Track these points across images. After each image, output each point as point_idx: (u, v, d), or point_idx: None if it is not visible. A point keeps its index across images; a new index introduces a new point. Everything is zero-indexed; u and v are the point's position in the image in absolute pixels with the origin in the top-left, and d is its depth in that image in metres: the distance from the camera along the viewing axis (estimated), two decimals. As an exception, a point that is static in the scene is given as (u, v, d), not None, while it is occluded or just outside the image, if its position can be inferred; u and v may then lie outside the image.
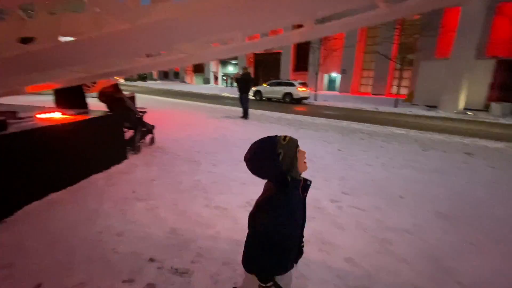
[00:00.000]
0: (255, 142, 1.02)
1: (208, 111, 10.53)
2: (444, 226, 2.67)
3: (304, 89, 17.07)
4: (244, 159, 1.02)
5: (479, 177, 4.11)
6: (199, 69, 40.39)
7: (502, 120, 12.10)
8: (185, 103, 13.32)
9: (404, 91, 21.62)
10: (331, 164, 4.43)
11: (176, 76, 45.67)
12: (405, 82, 24.46)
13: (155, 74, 48.73)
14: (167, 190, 3.20)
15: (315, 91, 19.52)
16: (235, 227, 2.46)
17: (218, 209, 2.81)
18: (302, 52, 27.17)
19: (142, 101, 10.37)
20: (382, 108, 15.26)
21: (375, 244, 2.34)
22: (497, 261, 2.18)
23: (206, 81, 39.55)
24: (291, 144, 1.00)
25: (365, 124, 8.99)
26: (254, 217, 1.05)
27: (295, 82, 17.26)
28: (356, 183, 3.64)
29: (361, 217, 2.76)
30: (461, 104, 14.33)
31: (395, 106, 15.87)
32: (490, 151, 5.88)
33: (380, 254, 2.22)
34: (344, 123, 9.07)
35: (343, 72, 26.31)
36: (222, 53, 2.78)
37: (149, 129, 4.98)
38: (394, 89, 23.11)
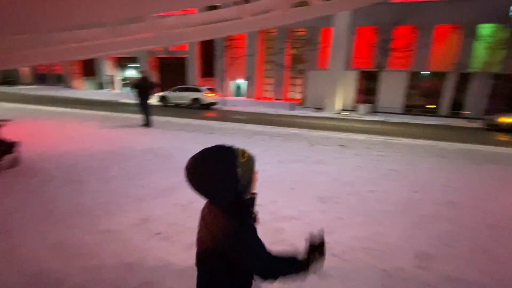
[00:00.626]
0: (207, 151, 0.80)
1: (102, 120, 9.20)
2: (322, 208, 3.22)
3: (212, 94, 17.23)
4: (188, 169, 0.79)
5: (348, 163, 5.16)
6: (90, 72, 34.77)
7: (366, 118, 15.64)
8: (71, 112, 11.21)
9: (299, 96, 24.91)
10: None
11: (60, 80, 37.86)
12: (299, 88, 28.07)
13: (27, 77, 38.92)
14: (34, 222, 2.60)
15: (223, 96, 20.05)
16: (125, 250, 2.23)
17: (105, 234, 2.48)
18: (208, 58, 27.44)
19: (4, 111, 8.10)
20: (281, 112, 17.08)
21: (270, 235, 2.58)
22: (355, 229, 2.79)
23: (100, 86, 34.43)
24: (251, 163, 0.85)
25: (267, 126, 9.85)
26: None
27: (202, 88, 17.23)
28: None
29: (259, 212, 3.00)
30: (339, 106, 17.67)
31: (292, 110, 18.10)
32: (356, 142, 7.49)
33: (274, 243, 2.45)
34: (249, 126, 9.67)
35: (247, 79, 28.03)
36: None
37: (7, 148, 3.93)
38: (290, 95, 26.25)
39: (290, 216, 2.96)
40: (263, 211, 3.02)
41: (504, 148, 7.57)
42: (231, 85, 29.95)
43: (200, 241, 0.92)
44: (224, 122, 10.31)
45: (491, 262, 2.30)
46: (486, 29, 17.60)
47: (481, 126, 13.43)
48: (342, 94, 18.03)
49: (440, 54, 20.80)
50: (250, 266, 0.87)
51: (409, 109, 19.04)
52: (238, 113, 15.49)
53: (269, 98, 28.18)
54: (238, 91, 30.64)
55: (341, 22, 16.12)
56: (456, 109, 18.50)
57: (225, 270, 0.86)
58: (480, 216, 3.14)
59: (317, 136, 8.12)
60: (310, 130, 9.49)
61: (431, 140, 8.29)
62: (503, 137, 10.67)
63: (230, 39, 22.00)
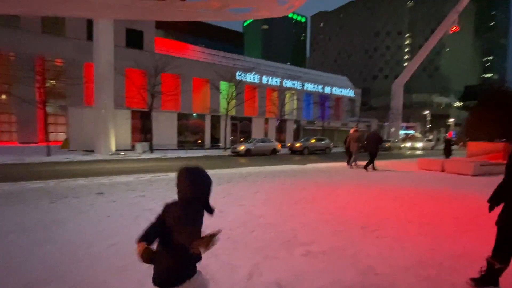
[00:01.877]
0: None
1: None
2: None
3: None
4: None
5: (96, 217, 4.52)
6: None
7: (143, 156, 15.62)
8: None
9: (64, 137, 20.25)
10: None
11: None
12: (62, 128, 22.94)
13: None
14: None
15: None
16: None
17: None
18: None
19: None
20: (30, 159, 12.82)
21: None
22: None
23: None
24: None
25: (-9, 184, 6.75)
26: None
27: None
28: None
29: None
30: (114, 146, 16.34)
31: (49, 155, 14.18)
32: (120, 185, 7.01)
33: None
34: None
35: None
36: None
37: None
38: (52, 136, 20.78)
39: None
40: None
41: (243, 168, 10.42)
42: None
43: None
44: None
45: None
46: (224, 85, 24.53)
47: (230, 154, 18.06)
48: (116, 134, 16.88)
49: (199, 100, 26.06)
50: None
51: (182, 145, 21.62)
52: None
53: (8, 142, 20.49)
54: None
55: (101, 58, 15.40)
56: (215, 142, 23.66)
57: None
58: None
59: (69, 187, 6.68)
60: (63, 179, 7.71)
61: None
62: (242, 160, 15.03)
63: None
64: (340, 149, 26.75)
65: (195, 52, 28.45)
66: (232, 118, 25.78)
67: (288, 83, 31.64)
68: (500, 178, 2.36)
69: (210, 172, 8.75)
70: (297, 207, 4.95)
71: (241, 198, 5.56)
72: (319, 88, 34.80)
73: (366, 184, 7.22)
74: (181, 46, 28.64)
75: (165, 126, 20.80)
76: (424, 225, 4.07)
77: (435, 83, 78.23)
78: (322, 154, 20.77)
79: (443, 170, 10.18)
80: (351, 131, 11.17)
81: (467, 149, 13.18)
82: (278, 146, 19.57)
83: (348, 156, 10.97)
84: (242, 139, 24.18)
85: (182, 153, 17.86)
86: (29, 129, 20.48)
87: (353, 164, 10.78)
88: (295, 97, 32.80)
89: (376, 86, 77.69)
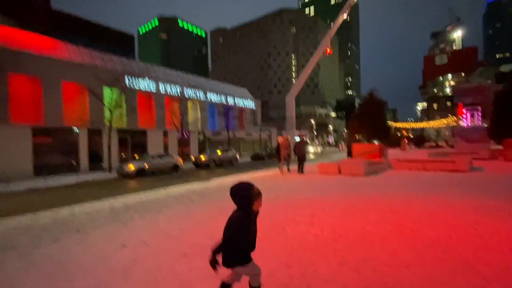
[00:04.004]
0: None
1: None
2: None
3: None
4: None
5: None
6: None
7: None
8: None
9: None
10: None
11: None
12: None
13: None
14: None
15: None
16: None
17: None
18: None
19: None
20: None
21: None
22: None
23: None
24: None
25: None
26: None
27: None
28: None
29: None
30: None
31: None
32: None
33: None
34: None
35: None
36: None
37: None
38: None
39: None
40: None
41: (126, 196, 7.68)
42: None
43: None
44: None
45: None
46: (108, 91, 20.07)
47: (116, 176, 14.37)
48: None
49: (73, 110, 20.38)
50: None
51: (40, 170, 15.79)
52: None
53: None
54: None
55: None
56: (95, 162, 18.80)
57: None
58: None
59: None
60: None
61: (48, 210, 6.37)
62: (131, 183, 11.87)
63: None
64: (246, 159, 26.70)
65: (66, 51, 22.47)
66: (122, 131, 21.47)
67: (190, 93, 29.56)
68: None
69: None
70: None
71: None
72: (222, 99, 34.35)
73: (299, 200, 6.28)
74: (44, 41, 22.05)
75: (13, 146, 14.82)
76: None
77: (316, 97, 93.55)
78: (229, 165, 19.73)
79: (339, 173, 10.71)
80: (280, 140, 11.83)
81: (353, 150, 14.88)
82: (180, 160, 17.17)
83: (282, 162, 11.61)
84: (137, 156, 20.17)
85: (41, 183, 12.82)
86: None
87: (286, 169, 11.49)
88: (198, 107, 31.02)
89: (273, 100, 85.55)
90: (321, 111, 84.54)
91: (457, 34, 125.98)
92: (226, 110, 30.66)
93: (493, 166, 11.00)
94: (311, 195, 6.49)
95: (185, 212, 5.37)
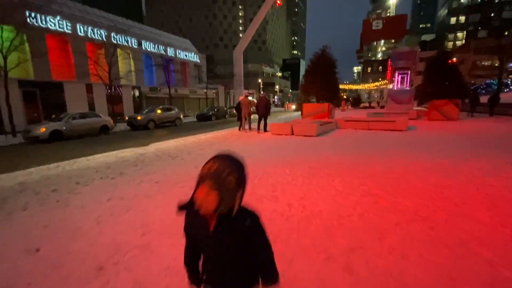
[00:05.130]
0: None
1: None
2: None
3: None
4: None
5: None
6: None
7: None
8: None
9: None
10: None
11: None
12: None
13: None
14: None
15: None
16: None
17: None
18: None
19: None
20: None
21: None
22: None
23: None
24: None
25: None
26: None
27: None
28: None
29: None
30: None
31: None
32: None
33: None
34: None
35: None
36: None
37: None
38: None
39: None
40: None
41: (33, 168, 5.75)
42: None
43: None
44: None
45: None
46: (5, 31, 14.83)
47: (23, 141, 11.36)
48: None
49: None
50: None
51: None
52: None
53: None
54: None
55: None
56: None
57: None
58: None
59: None
60: None
61: None
62: (43, 150, 9.39)
63: None
64: (192, 119, 24.73)
65: None
66: (27, 83, 16.90)
67: (120, 39, 24.55)
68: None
69: None
70: None
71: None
72: (161, 50, 29.88)
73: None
74: None
75: None
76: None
77: (263, 55, 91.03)
78: (172, 126, 17.78)
79: (292, 133, 10.36)
80: (241, 98, 11.81)
81: (302, 110, 14.70)
82: (111, 121, 14.51)
83: (241, 120, 11.64)
84: (53, 115, 16.24)
85: None
86: None
87: (247, 128, 11.70)
88: (131, 57, 26.40)
89: (218, 54, 79.88)
90: (268, 70, 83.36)
91: (392, 0, 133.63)
92: (166, 62, 26.90)
93: (422, 125, 12.12)
94: (268, 159, 5.83)
95: (110, 191, 4.08)
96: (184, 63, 34.03)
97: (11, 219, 3.15)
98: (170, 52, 31.31)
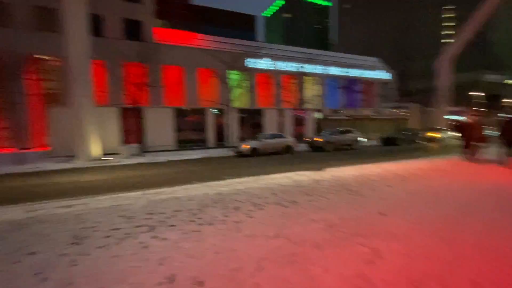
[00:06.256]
0: None
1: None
2: None
3: None
4: None
5: None
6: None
7: (126, 161, 12.94)
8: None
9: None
10: None
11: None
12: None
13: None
14: None
15: None
16: None
17: None
18: None
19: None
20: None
21: None
22: None
23: None
24: None
25: None
26: None
27: None
28: None
29: None
30: (97, 151, 13.84)
31: (20, 163, 12.15)
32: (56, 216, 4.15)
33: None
34: None
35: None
36: None
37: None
38: (45, 140, 19.07)
39: None
40: None
41: (234, 180, 7.10)
42: None
43: None
44: None
45: None
46: (233, 74, 21.11)
47: (234, 154, 14.81)
48: (101, 135, 14.38)
49: (206, 93, 22.96)
50: None
51: (182, 145, 18.73)
52: None
53: (8, 149, 19.17)
54: None
55: (73, 51, 12.83)
56: (220, 140, 20.39)
57: None
58: None
59: None
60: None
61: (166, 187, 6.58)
62: (243, 162, 11.71)
63: None
64: (374, 142, 21.99)
65: (197, 40, 25.37)
66: (242, 111, 22.44)
67: (307, 68, 27.37)
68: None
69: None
70: None
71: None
72: (344, 72, 30.00)
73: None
74: (183, 35, 25.76)
75: (159, 124, 18.10)
76: None
77: (484, 59, 67.38)
78: (350, 150, 16.69)
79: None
80: (469, 119, 10.36)
81: None
82: (294, 142, 15.88)
83: (470, 148, 9.36)
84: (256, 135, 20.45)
85: (177, 155, 14.90)
86: (23, 134, 19.02)
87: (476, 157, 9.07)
88: (315, 82, 28.48)
89: (412, 68, 68.97)
90: (493, 78, 60.72)
91: None
92: (349, 83, 26.42)
93: None
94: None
95: (279, 224, 3.69)
96: (369, 83, 32.07)
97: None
98: (355, 73, 30.63)
